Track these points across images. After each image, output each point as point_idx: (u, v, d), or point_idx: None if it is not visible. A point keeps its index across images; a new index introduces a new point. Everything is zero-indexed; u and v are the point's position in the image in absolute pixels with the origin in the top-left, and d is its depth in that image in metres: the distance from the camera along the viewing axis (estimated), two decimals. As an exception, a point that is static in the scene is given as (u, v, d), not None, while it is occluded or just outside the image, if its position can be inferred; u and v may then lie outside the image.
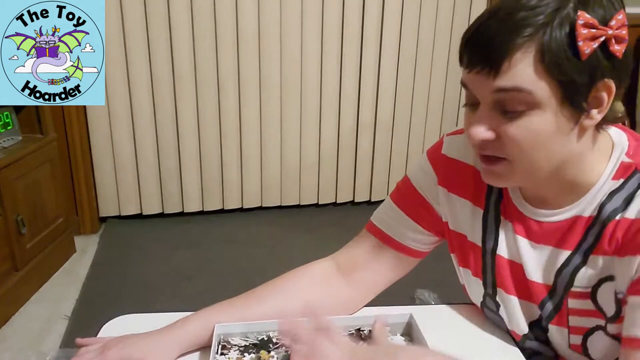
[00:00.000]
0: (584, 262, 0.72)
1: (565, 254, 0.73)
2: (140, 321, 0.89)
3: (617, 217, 0.68)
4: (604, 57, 0.61)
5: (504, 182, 0.74)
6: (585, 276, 0.72)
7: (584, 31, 0.59)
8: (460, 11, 2.89)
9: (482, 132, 0.67)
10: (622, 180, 0.69)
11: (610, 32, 0.60)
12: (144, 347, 0.80)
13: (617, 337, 0.71)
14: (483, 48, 0.63)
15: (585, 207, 0.72)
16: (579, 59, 0.60)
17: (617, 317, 0.70)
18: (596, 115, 0.65)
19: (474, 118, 0.68)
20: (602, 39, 0.60)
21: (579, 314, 0.74)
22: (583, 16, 0.59)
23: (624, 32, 0.61)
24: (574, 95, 0.63)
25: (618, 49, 0.61)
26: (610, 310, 0.71)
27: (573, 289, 0.73)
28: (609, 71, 0.62)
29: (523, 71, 0.61)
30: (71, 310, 2.11)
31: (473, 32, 0.65)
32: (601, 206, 0.70)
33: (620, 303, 0.69)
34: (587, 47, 0.59)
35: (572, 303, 0.74)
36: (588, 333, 0.75)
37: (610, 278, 0.70)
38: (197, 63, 2.63)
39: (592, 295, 0.72)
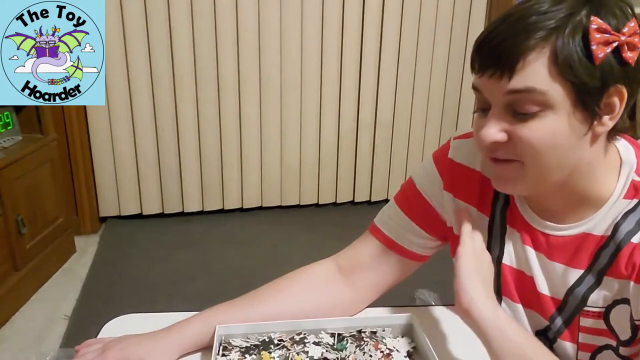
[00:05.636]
0: (598, 283, 0.71)
1: (577, 272, 0.72)
2: (140, 321, 0.89)
3: (634, 241, 0.67)
4: (617, 64, 0.61)
5: (515, 186, 0.71)
6: (599, 297, 0.71)
7: (597, 35, 0.60)
8: (460, 11, 2.89)
9: (493, 133, 0.65)
10: (635, 200, 0.69)
11: (623, 38, 0.60)
12: (144, 348, 0.80)
13: (627, 359, 0.71)
14: (495, 51, 0.63)
15: (596, 225, 0.71)
16: (592, 63, 0.60)
17: (632, 341, 0.69)
18: (608, 122, 0.65)
19: (485, 120, 0.66)
20: (615, 44, 0.60)
21: (590, 332, 0.73)
22: (596, 21, 0.60)
23: (636, 39, 0.61)
24: (587, 98, 0.62)
25: (631, 55, 0.61)
26: (624, 333, 0.70)
27: (586, 309, 0.72)
28: (622, 78, 0.62)
29: (536, 72, 0.61)
30: (71, 310, 2.10)
31: (485, 37, 0.65)
32: (616, 226, 0.69)
33: (636, 329, 0.69)
34: (600, 52, 0.60)
35: (584, 322, 0.73)
36: (597, 351, 0.74)
37: (625, 300, 0.69)
38: (197, 63, 2.63)
39: (605, 315, 0.71)
